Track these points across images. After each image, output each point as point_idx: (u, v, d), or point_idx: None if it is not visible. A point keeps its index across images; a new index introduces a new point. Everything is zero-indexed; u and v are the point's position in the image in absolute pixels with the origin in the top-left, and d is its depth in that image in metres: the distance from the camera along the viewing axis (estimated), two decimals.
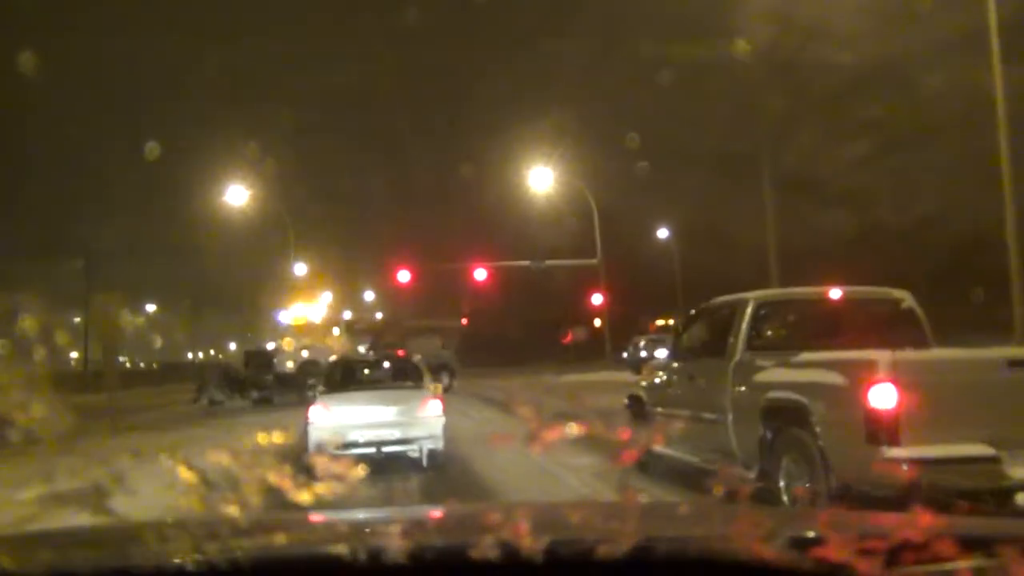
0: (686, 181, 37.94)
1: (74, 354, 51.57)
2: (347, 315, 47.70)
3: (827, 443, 5.30)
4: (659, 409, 8.13)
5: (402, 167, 70.82)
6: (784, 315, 7.33)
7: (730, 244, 32.60)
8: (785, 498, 5.67)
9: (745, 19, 21.47)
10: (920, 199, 27.10)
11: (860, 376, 5.08)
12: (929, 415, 4.87)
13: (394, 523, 1.71)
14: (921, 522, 1.22)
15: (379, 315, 50.29)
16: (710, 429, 6.70)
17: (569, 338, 46.20)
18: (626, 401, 8.99)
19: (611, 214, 33.31)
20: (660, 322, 41.30)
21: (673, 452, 7.29)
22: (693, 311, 8.46)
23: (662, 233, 43.43)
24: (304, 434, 9.01)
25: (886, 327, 6.83)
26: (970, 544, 1.20)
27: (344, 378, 10.67)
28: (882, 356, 5.05)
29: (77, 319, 42.88)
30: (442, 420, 9.23)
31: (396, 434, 9.03)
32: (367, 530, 1.65)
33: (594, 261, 32.53)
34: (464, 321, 43.90)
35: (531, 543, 1.18)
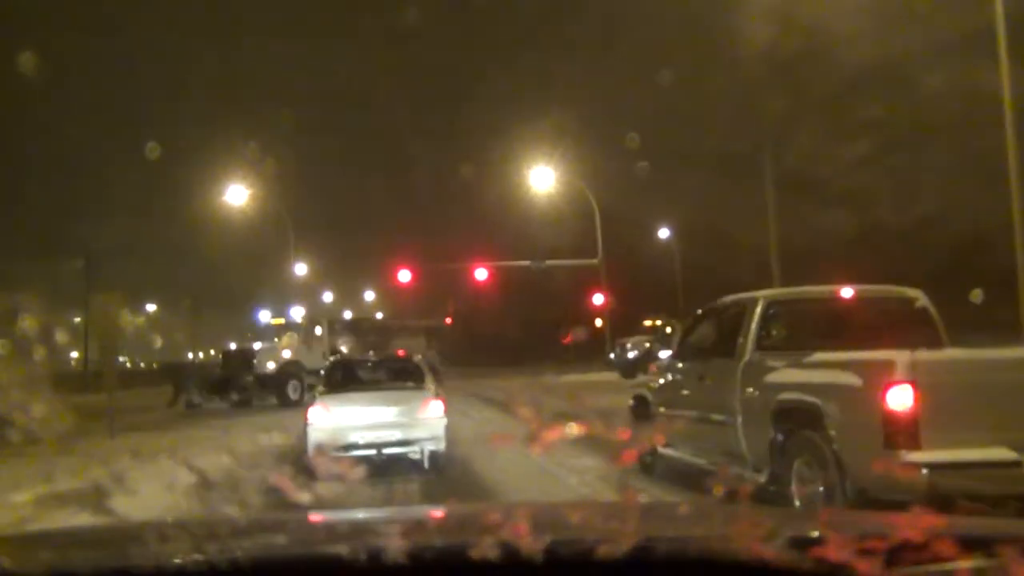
0: (686, 181, 38.04)
1: (74, 354, 51.67)
2: (347, 315, 47.69)
3: (842, 446, 5.15)
4: (666, 410, 8.03)
5: (402, 167, 70.95)
6: (794, 314, 7.12)
7: (731, 244, 32.64)
8: (797, 502, 5.54)
9: (745, 19, 21.50)
10: (920, 199, 27.14)
11: (877, 377, 4.93)
12: (948, 417, 4.73)
13: (394, 523, 1.71)
14: (921, 522, 1.22)
15: (379, 315, 50.38)
16: (718, 431, 6.61)
17: (569, 338, 46.13)
18: (631, 402, 8.90)
19: (611, 214, 33.29)
20: (647, 323, 41.07)
21: (680, 454, 7.23)
22: (700, 311, 8.31)
23: (663, 233, 43.48)
24: (303, 435, 8.98)
25: (899, 327, 6.67)
26: (970, 544, 1.20)
27: (344, 378, 10.55)
28: (900, 356, 4.90)
29: (77, 319, 42.93)
30: (444, 421, 9.13)
31: (397, 435, 8.94)
32: (367, 530, 1.65)
33: (595, 261, 32.49)
34: (448, 320, 43.85)
35: (531, 543, 1.18)
